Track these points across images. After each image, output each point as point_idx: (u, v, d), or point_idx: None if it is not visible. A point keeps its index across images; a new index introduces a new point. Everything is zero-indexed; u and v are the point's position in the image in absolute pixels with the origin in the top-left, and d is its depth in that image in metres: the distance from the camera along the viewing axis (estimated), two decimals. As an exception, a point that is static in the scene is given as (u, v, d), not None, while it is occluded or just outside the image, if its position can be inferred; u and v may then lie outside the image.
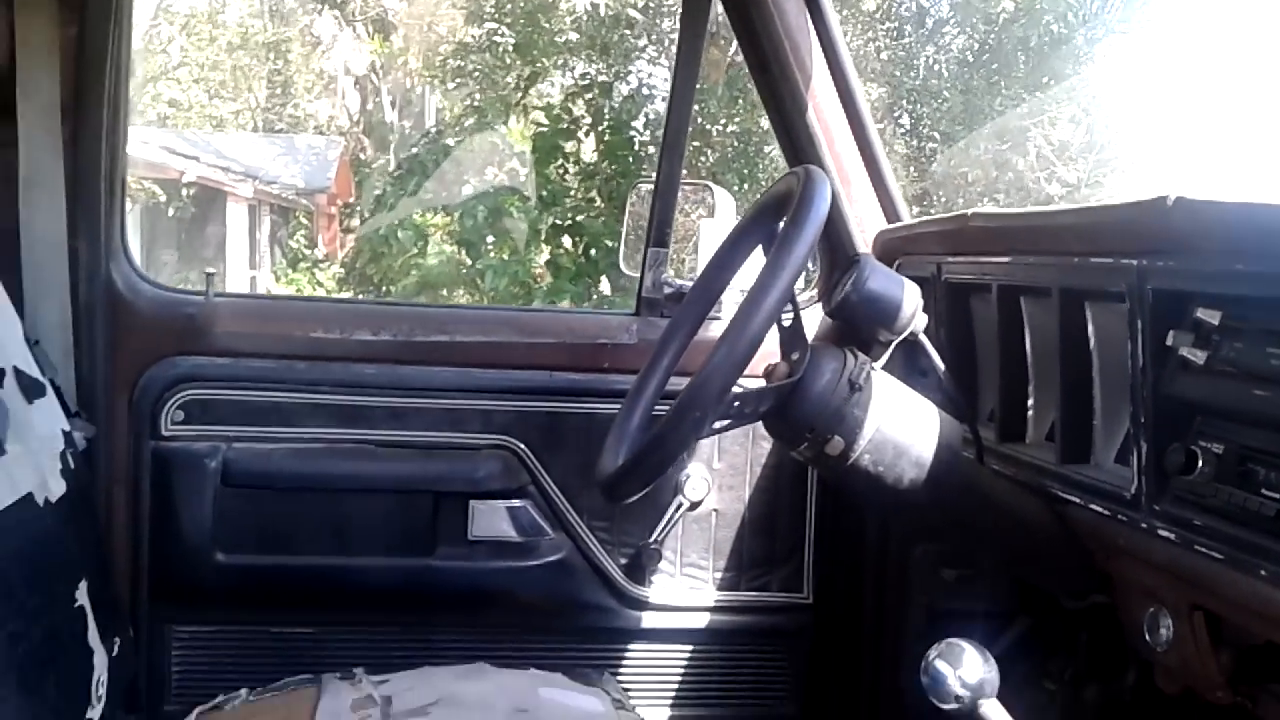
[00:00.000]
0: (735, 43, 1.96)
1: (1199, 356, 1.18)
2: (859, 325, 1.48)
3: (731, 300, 1.66)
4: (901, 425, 1.34)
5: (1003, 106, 10.01)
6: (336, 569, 1.91)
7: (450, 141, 11.09)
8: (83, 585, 1.51)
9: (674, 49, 2.12)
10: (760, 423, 1.40)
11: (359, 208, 12.87)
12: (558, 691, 1.58)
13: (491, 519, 1.93)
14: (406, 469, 1.92)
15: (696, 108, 2.03)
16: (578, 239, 9.04)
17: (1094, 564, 1.39)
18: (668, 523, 1.99)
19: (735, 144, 10.00)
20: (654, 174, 1.99)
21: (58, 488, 1.50)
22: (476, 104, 11.51)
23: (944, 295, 1.73)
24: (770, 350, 1.36)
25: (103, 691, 1.51)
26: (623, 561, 2.00)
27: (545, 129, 9.45)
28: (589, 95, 9.80)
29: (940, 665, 1.17)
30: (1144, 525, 1.25)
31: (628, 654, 2.02)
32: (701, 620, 2.04)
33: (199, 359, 1.86)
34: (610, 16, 10.50)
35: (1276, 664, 1.17)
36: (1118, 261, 1.29)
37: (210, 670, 1.85)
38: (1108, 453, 1.42)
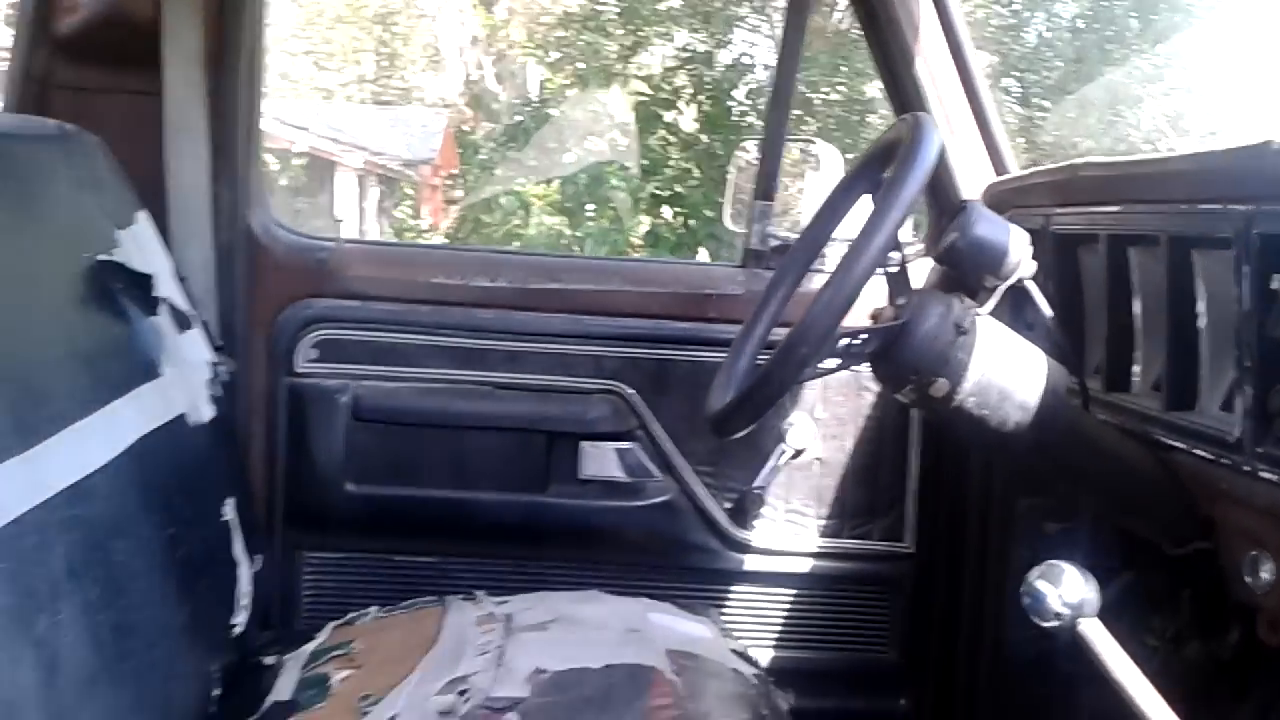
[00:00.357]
0: (837, 9, 1.98)
1: None
2: (966, 271, 1.47)
3: (835, 253, 1.68)
4: (1007, 369, 1.35)
5: (1114, 73, 9.72)
6: (456, 501, 2.00)
7: (553, 111, 11.17)
8: (229, 502, 1.62)
9: (774, 16, 2.14)
10: (865, 367, 1.41)
11: (463, 180, 13.04)
12: (667, 617, 1.63)
13: (601, 460, 2.00)
14: (521, 409, 2.00)
15: (799, 75, 2.05)
16: (677, 209, 9.06)
17: (1196, 510, 1.38)
18: (771, 469, 2.02)
19: (839, 111, 9.91)
20: (755, 139, 2.01)
21: (208, 412, 1.61)
22: (579, 72, 11.57)
23: (1052, 247, 1.72)
24: (878, 299, 1.39)
25: (246, 601, 1.62)
26: (727, 505, 2.04)
27: (646, 98, 9.47)
28: (690, 66, 9.79)
29: (1041, 584, 1.18)
30: (1246, 469, 1.26)
31: (730, 595, 2.07)
32: (803, 565, 2.08)
33: (330, 301, 1.96)
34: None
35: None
36: (1225, 208, 1.29)
37: (338, 593, 1.95)
38: (1213, 401, 1.41)
